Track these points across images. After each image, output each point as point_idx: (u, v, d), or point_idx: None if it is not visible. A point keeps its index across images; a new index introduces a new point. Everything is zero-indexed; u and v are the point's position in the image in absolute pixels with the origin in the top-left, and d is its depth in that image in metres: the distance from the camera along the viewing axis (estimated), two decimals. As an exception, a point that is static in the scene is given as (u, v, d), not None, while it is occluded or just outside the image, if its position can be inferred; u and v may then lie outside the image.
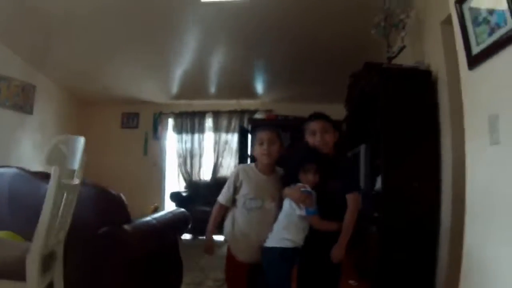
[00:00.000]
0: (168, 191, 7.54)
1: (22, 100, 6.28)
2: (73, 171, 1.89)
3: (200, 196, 6.87)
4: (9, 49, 5.82)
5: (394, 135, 3.16)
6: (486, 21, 1.70)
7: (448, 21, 2.84)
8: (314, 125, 2.44)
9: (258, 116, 7.24)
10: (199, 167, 7.75)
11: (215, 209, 2.50)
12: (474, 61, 1.80)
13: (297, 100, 7.02)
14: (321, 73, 6.03)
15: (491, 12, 1.68)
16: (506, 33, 1.55)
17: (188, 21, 5.19)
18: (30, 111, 6.50)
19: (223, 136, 7.74)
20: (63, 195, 1.75)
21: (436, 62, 3.20)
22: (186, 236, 6.37)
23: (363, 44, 4.52)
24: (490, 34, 1.66)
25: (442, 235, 2.94)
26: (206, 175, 7.70)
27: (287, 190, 2.33)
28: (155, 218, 2.65)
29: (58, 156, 1.64)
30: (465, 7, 1.87)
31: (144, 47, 5.95)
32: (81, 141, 1.87)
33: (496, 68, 1.66)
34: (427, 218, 3.02)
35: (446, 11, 2.81)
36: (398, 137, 3.15)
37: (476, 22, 1.79)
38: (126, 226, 2.20)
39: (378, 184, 3.36)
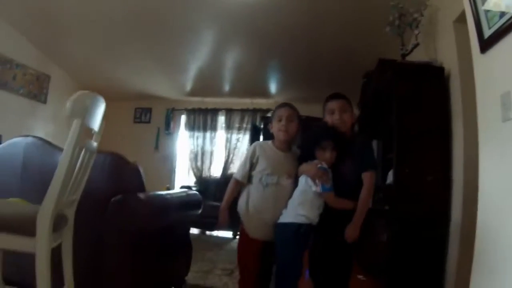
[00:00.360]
0: (178, 186, 7.61)
1: (37, 89, 6.42)
2: (92, 131, 1.88)
3: (210, 192, 6.92)
4: (25, 38, 5.97)
5: (406, 130, 3.18)
6: (497, 4, 1.74)
7: (460, 19, 2.89)
8: (333, 104, 2.47)
9: (271, 114, 7.23)
10: (210, 164, 7.81)
11: (230, 185, 2.53)
12: (486, 44, 1.83)
13: (310, 100, 6.93)
14: (335, 74, 6.04)
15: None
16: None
17: (204, 19, 5.26)
18: (44, 100, 6.65)
19: (235, 133, 7.79)
20: (81, 152, 1.74)
21: (448, 60, 3.23)
22: (195, 231, 6.42)
23: (376, 43, 4.54)
24: (501, 16, 1.69)
25: (452, 229, 2.94)
26: (216, 171, 7.75)
27: (303, 166, 2.36)
28: (169, 194, 2.68)
29: (81, 110, 1.61)
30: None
31: (159, 43, 6.03)
32: (103, 102, 1.86)
33: (508, 48, 1.68)
34: (437, 212, 3.02)
35: (459, 10, 2.87)
36: (411, 132, 3.17)
37: (487, 6, 1.82)
38: (140, 195, 2.21)
39: (390, 178, 3.37)
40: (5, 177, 2.26)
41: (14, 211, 1.69)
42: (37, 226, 1.58)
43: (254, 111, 7.75)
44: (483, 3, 1.86)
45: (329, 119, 2.46)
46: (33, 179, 2.20)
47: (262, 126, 6.88)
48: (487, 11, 1.83)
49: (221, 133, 7.94)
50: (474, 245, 1.86)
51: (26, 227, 1.59)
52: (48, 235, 1.59)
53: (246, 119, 7.78)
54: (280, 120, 2.48)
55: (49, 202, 1.60)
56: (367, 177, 2.32)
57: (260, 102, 7.71)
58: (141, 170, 2.34)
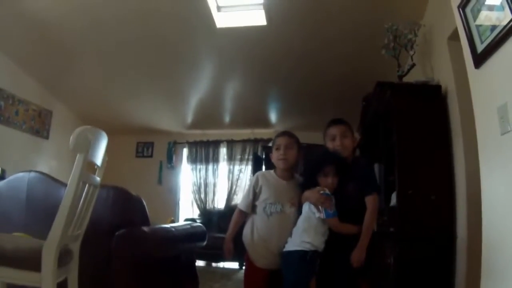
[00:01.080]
0: (182, 219, 7.56)
1: (39, 125, 6.48)
2: (95, 165, 1.90)
3: (214, 224, 6.86)
4: (27, 74, 6.05)
5: (407, 150, 3.20)
6: (487, 18, 1.78)
7: (454, 36, 2.95)
8: (333, 130, 2.47)
9: (271, 144, 7.26)
10: (213, 196, 7.77)
11: (234, 215, 2.52)
12: (480, 59, 1.86)
13: (311, 128, 6.96)
14: (335, 100, 6.08)
15: (491, 8, 1.76)
16: (508, 23, 1.61)
17: (203, 49, 5.36)
18: (46, 136, 6.70)
19: (237, 164, 7.78)
20: (85, 187, 1.75)
21: (445, 77, 3.28)
22: (201, 263, 6.35)
23: (374, 66, 4.60)
24: (493, 29, 1.73)
25: (459, 245, 2.91)
26: (220, 203, 7.71)
27: (306, 193, 2.34)
28: (173, 227, 2.68)
29: (84, 145, 1.63)
30: (468, 9, 1.96)
31: (159, 76, 6.12)
32: (105, 137, 1.88)
33: (501, 61, 1.71)
34: (443, 229, 3.01)
35: (452, 27, 2.92)
36: (412, 152, 3.19)
37: (478, 21, 1.87)
38: (144, 228, 2.22)
39: (393, 200, 3.36)
40: (9, 211, 2.28)
41: (19, 245, 1.69)
42: (42, 261, 1.58)
43: (256, 141, 7.77)
44: (474, 19, 1.90)
45: (330, 145, 2.47)
46: (37, 213, 2.22)
47: (264, 156, 6.88)
48: (478, 26, 1.87)
49: (223, 165, 7.94)
50: (482, 257, 1.85)
51: (31, 262, 1.59)
52: (53, 270, 1.59)
53: (247, 150, 7.78)
54: (278, 149, 2.49)
55: (54, 236, 1.60)
56: (370, 200, 2.31)
57: (261, 132, 7.74)
58: (144, 203, 2.34)
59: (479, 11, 1.87)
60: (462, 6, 2.01)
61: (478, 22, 1.87)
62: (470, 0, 1.95)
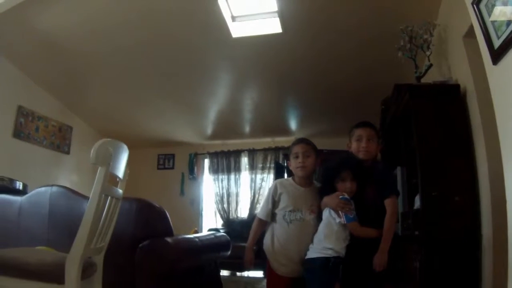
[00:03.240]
0: (205, 229, 7.60)
1: (59, 140, 6.62)
2: (117, 178, 1.91)
3: (237, 233, 6.84)
4: (46, 92, 6.22)
5: (428, 152, 3.15)
6: (502, 13, 1.75)
7: (469, 34, 2.90)
8: (360, 131, 2.48)
9: (289, 151, 7.27)
10: (236, 205, 7.80)
11: (254, 224, 2.54)
12: (498, 54, 1.83)
13: (330, 134, 6.98)
14: (353, 105, 6.03)
15: (505, 2, 1.73)
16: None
17: (220, 60, 5.40)
18: (67, 151, 6.83)
19: (259, 173, 7.80)
20: (107, 199, 1.77)
21: (463, 76, 3.23)
22: (224, 272, 6.35)
23: (391, 69, 4.56)
24: (508, 24, 1.70)
25: (485, 245, 2.85)
26: (243, 212, 7.73)
27: (325, 199, 2.34)
28: (197, 237, 2.70)
29: (105, 157, 1.64)
30: (482, 5, 1.94)
31: (177, 88, 6.20)
32: (126, 149, 1.90)
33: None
34: (468, 230, 2.94)
35: (467, 25, 2.88)
36: (433, 153, 3.14)
37: (493, 17, 1.84)
38: (168, 239, 2.24)
39: (417, 203, 3.32)
40: (32, 225, 2.33)
41: (43, 259, 1.71)
42: (66, 274, 1.59)
43: (276, 149, 7.78)
44: (489, 15, 1.88)
45: (355, 145, 2.48)
46: (60, 227, 2.25)
47: (285, 164, 6.87)
48: (494, 22, 1.84)
49: (245, 174, 7.96)
50: (508, 257, 1.81)
51: (54, 275, 1.61)
52: (77, 282, 1.60)
53: (269, 158, 7.80)
54: (297, 157, 2.49)
55: (77, 249, 1.61)
56: (389, 203, 2.30)
57: (282, 140, 7.73)
58: (168, 214, 2.35)
59: (493, 6, 1.84)
60: (476, 3, 1.99)
61: (493, 17, 1.85)
62: (484, -4, 1.93)
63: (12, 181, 4.65)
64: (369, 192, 2.37)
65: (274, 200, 2.47)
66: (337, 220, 2.24)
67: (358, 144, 2.45)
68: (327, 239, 2.25)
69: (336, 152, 3.09)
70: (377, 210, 2.30)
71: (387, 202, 2.29)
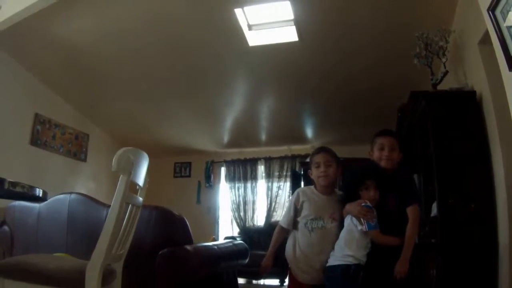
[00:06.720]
0: (222, 237, 7.61)
1: (76, 148, 6.70)
2: (137, 185, 1.93)
3: (254, 241, 6.87)
4: (63, 100, 6.32)
5: (445, 158, 3.15)
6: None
7: (484, 40, 2.90)
8: (383, 140, 2.48)
9: (309, 160, 7.23)
10: (253, 213, 7.80)
11: (276, 232, 2.54)
12: (513, 60, 1.85)
13: (347, 142, 6.95)
14: (369, 112, 6.02)
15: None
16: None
17: (237, 69, 5.46)
18: (84, 159, 6.90)
19: (276, 181, 7.79)
20: (128, 207, 1.79)
21: (479, 82, 3.21)
22: (241, 280, 6.34)
23: (407, 76, 4.55)
24: (524, 29, 1.71)
25: (502, 253, 2.83)
26: (259, 220, 7.72)
27: (348, 206, 2.34)
28: (216, 245, 2.71)
29: (126, 165, 1.66)
30: (497, 12, 1.94)
31: (194, 97, 6.24)
32: (146, 157, 1.92)
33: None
34: (484, 237, 2.92)
35: (482, 31, 2.87)
36: (450, 160, 3.13)
37: (508, 22, 1.84)
38: (187, 246, 2.25)
39: (434, 210, 3.30)
40: (51, 232, 2.36)
41: (62, 265, 1.73)
42: (86, 281, 1.61)
43: (293, 157, 7.77)
44: (504, 21, 1.88)
45: (377, 153, 2.48)
46: (78, 234, 2.28)
47: (302, 172, 6.85)
48: (509, 27, 1.84)
49: (261, 182, 7.97)
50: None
51: (74, 281, 1.63)
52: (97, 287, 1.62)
53: (285, 167, 7.79)
54: (318, 167, 2.48)
55: (98, 256, 1.64)
56: (412, 211, 2.29)
57: (298, 148, 7.74)
58: (187, 222, 2.38)
59: (508, 12, 1.84)
60: (492, 9, 1.99)
61: (508, 23, 1.85)
62: (499, 2, 1.93)
63: (32, 188, 4.71)
64: (390, 200, 2.36)
65: (296, 208, 2.48)
66: (359, 227, 2.24)
67: (381, 153, 2.46)
68: (348, 246, 2.25)
69: (355, 160, 3.08)
70: (398, 218, 2.30)
71: (409, 210, 2.28)
